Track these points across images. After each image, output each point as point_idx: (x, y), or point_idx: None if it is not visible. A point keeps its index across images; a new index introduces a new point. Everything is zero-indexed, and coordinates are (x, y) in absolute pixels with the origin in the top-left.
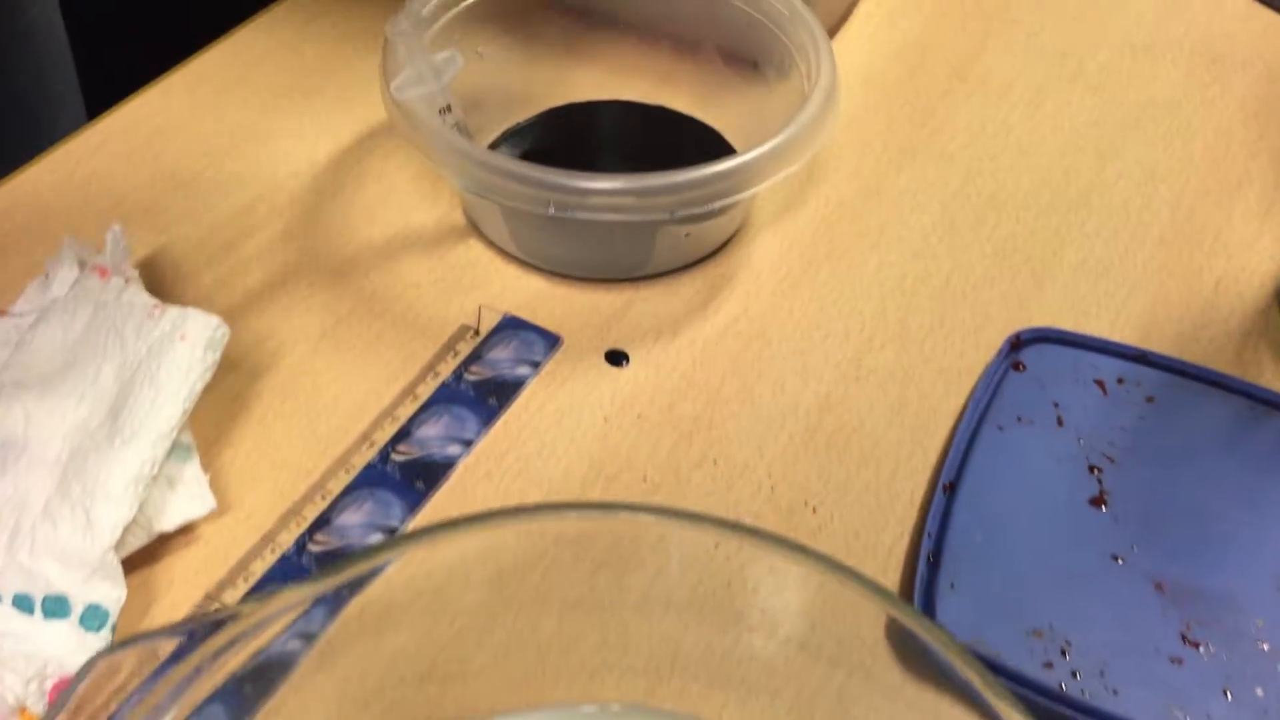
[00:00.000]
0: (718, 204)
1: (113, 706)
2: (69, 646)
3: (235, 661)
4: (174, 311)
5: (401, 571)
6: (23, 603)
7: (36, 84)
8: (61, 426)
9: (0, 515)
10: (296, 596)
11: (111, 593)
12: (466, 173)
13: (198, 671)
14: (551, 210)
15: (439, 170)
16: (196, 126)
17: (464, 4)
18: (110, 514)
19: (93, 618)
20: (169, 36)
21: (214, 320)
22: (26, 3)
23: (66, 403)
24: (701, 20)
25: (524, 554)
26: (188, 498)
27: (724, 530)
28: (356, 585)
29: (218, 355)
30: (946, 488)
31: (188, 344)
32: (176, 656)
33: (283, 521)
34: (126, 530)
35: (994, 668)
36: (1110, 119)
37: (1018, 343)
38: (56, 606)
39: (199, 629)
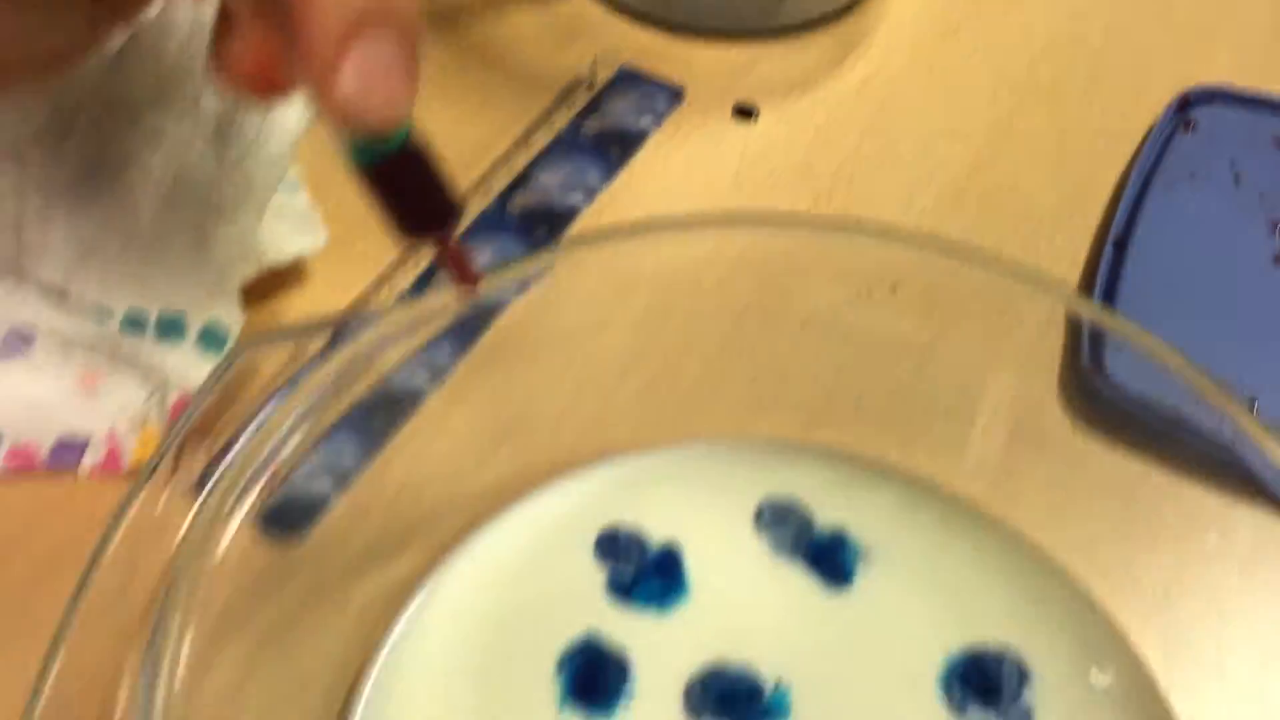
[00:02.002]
0: None
1: (232, 428)
2: (188, 365)
3: (366, 383)
4: None
5: (538, 304)
6: (135, 322)
7: None
8: (161, 146)
9: (105, 231)
10: (439, 302)
11: (229, 314)
12: None
13: (335, 385)
14: None
15: None
16: None
17: None
18: (223, 232)
19: (211, 339)
20: None
21: None
22: None
23: (166, 123)
24: None
25: (668, 292)
26: (298, 231)
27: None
28: (490, 313)
29: None
30: (1116, 245)
31: None
32: (315, 361)
33: (397, 263)
34: (237, 258)
35: (1173, 422)
36: None
37: (1186, 102)
38: (171, 327)
39: (346, 325)
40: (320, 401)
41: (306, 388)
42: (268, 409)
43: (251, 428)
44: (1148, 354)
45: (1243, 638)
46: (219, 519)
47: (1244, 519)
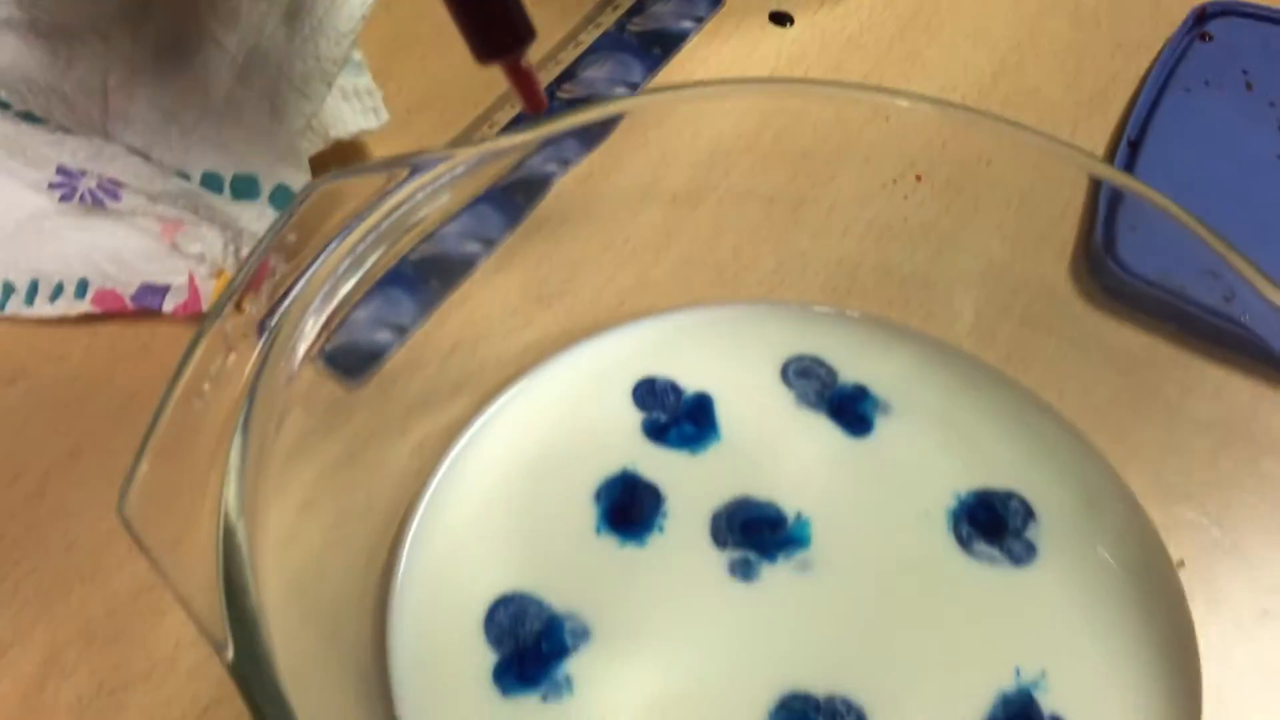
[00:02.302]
0: None
1: (298, 270)
2: (262, 219)
3: (422, 230)
4: None
5: (581, 181)
6: (212, 181)
7: None
8: (237, 26)
9: (184, 102)
10: (498, 146)
11: (299, 179)
12: None
13: (394, 227)
14: None
15: None
16: None
17: None
18: (294, 103)
19: (283, 197)
20: None
21: None
22: None
23: (241, 3)
24: None
25: (707, 173)
26: (361, 109)
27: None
28: (537, 189)
29: None
30: (1131, 143)
31: None
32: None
33: (454, 141)
34: (305, 130)
35: (1178, 296)
36: None
37: (1203, 15)
38: (245, 186)
39: (422, 162)
40: (380, 240)
41: (367, 227)
42: (330, 248)
43: (314, 268)
44: (1166, 217)
45: (1234, 489)
46: (284, 352)
47: (1241, 385)
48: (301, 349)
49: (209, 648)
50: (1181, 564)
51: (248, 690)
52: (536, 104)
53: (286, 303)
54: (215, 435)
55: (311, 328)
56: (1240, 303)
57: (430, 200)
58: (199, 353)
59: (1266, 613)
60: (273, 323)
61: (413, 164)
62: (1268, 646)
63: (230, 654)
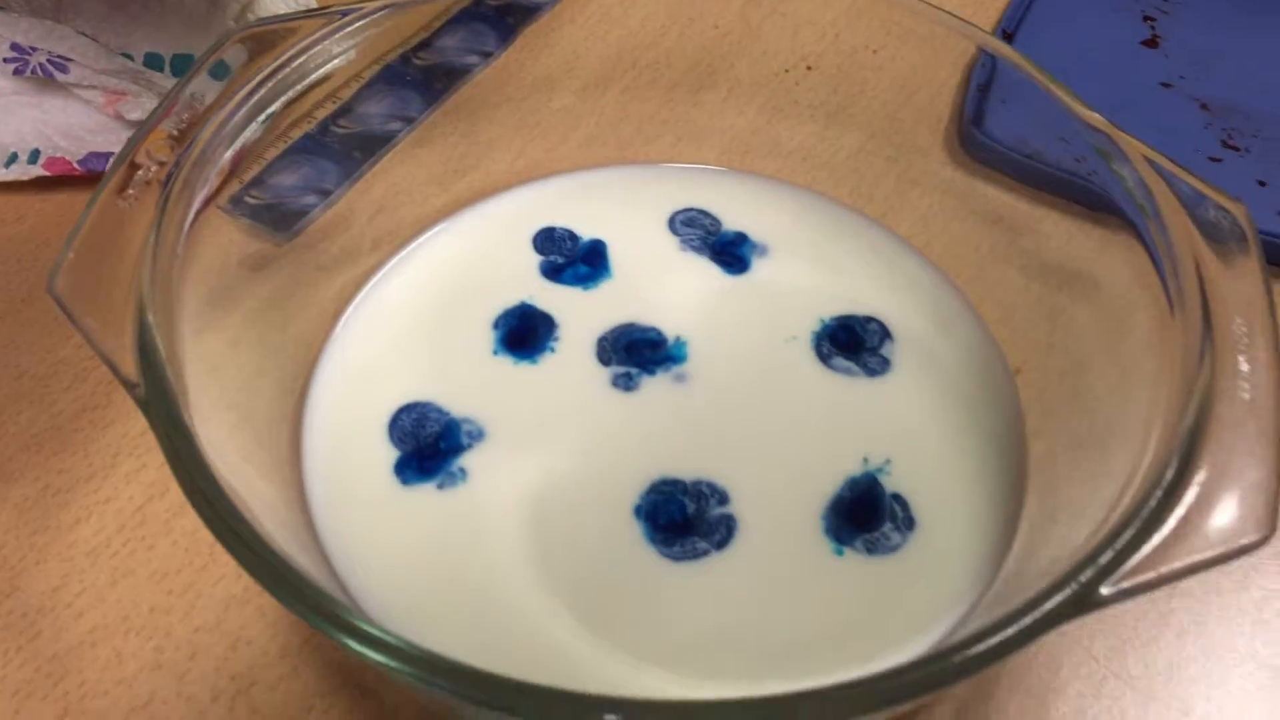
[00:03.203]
0: None
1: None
2: (200, 89)
3: (323, 82)
4: None
5: (497, 72)
6: (154, 60)
7: None
8: None
9: None
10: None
11: (235, 56)
12: None
13: (292, 76)
14: None
15: None
16: None
17: None
18: None
19: (220, 71)
20: None
21: None
22: None
23: None
24: None
25: (612, 67)
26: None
27: None
28: (457, 76)
29: None
30: (1006, 34)
31: None
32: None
33: None
34: (241, 12)
35: (1036, 159)
36: None
37: None
38: (185, 64)
39: (333, 14)
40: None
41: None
42: (230, 105)
43: (212, 124)
44: (1031, 88)
45: (1073, 313)
46: (199, 169)
47: (1090, 232)
48: (196, 197)
49: (146, 454)
50: (1019, 370)
51: (154, 420)
52: None
53: (204, 130)
54: (138, 234)
55: (221, 154)
56: (1089, 163)
57: (336, 47)
58: (122, 167)
59: (1078, 394)
60: (188, 145)
61: (325, 15)
62: (1081, 423)
63: (141, 391)
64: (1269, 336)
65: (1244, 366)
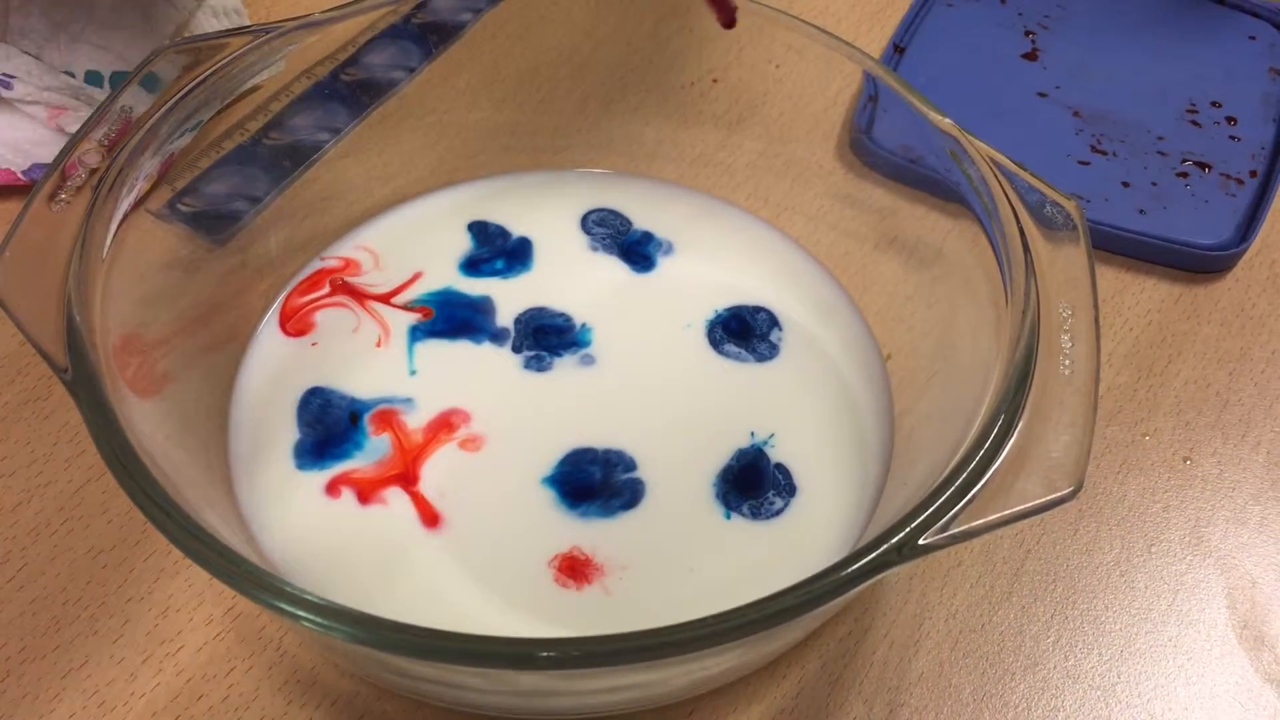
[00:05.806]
0: None
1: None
2: (136, 103)
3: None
4: None
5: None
6: (93, 77)
7: None
8: None
9: (73, 13)
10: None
11: (168, 72)
12: None
13: (213, 87)
14: None
15: None
16: None
17: None
18: (165, 13)
19: (153, 84)
20: None
21: None
22: None
23: None
24: None
25: (522, 84)
26: (226, 20)
27: None
28: (380, 90)
29: None
30: (897, 49)
31: None
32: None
33: None
34: (177, 34)
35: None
36: None
37: None
38: (122, 79)
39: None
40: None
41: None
42: (159, 114)
43: (140, 133)
44: (910, 105)
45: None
46: (110, 204)
47: (965, 229)
48: (141, 177)
49: (84, 441)
50: (889, 357)
51: (80, 399)
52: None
53: (133, 138)
54: (69, 235)
55: (149, 161)
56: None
57: (261, 61)
58: (55, 174)
59: (935, 375)
60: (117, 153)
61: (252, 32)
62: (938, 401)
63: (69, 375)
64: (1089, 315)
65: (1066, 344)
